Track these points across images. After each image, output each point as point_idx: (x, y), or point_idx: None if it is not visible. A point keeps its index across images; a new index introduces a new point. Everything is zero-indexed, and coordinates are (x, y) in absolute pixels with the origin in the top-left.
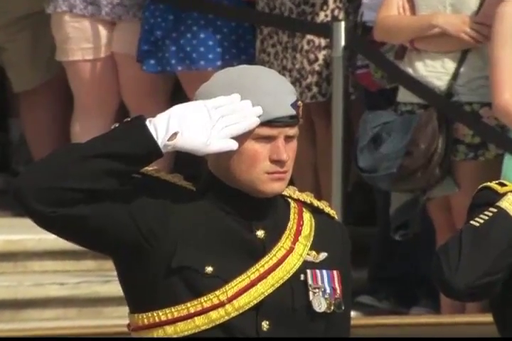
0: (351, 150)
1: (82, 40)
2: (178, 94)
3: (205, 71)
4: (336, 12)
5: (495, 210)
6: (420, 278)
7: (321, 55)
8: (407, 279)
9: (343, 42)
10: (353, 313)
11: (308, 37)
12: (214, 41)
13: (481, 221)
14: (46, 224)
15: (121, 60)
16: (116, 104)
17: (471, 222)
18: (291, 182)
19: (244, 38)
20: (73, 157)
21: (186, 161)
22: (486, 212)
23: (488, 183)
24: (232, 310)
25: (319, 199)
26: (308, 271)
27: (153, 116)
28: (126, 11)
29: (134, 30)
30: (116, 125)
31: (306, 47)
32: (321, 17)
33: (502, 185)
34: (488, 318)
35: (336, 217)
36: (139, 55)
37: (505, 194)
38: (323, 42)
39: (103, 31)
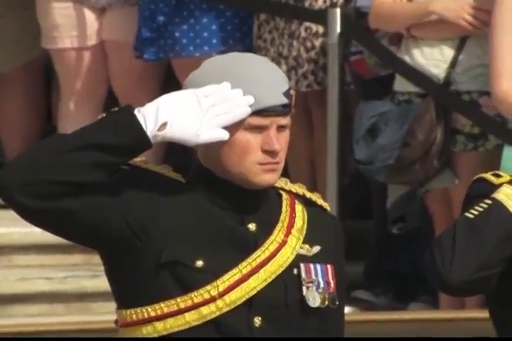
0: (347, 142)
1: (70, 28)
2: (169, 82)
3: (210, 56)
4: None
5: (490, 202)
6: (420, 273)
7: (318, 43)
8: (406, 274)
9: (338, 29)
10: (348, 309)
11: (306, 24)
12: (217, 25)
13: (476, 213)
14: (31, 217)
15: (112, 48)
16: (105, 92)
17: (466, 213)
18: (286, 174)
19: (248, 22)
20: (60, 148)
21: (178, 150)
22: (481, 204)
23: (484, 175)
24: (223, 306)
25: (312, 191)
26: (302, 265)
27: (143, 105)
28: None
29: (125, 17)
30: (104, 115)
31: (303, 34)
32: (320, 3)
33: (497, 176)
34: (487, 314)
35: (329, 210)
36: (138, 42)
37: (500, 185)
38: (320, 29)
39: (92, 18)
